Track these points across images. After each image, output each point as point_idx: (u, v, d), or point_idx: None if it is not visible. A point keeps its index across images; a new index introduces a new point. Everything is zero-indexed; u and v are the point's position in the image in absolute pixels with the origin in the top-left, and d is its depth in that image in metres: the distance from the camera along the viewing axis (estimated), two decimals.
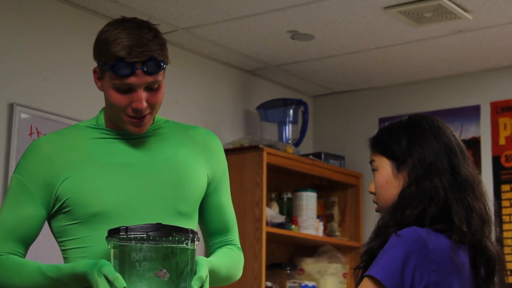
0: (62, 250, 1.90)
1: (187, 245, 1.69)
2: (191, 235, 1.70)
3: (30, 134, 3.33)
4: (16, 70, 3.35)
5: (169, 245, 1.67)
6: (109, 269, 1.68)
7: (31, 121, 3.34)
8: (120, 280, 1.65)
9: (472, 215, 1.75)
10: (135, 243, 1.66)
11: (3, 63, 3.31)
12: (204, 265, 1.75)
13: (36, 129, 3.35)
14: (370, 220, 4.46)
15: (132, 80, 1.81)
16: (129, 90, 1.83)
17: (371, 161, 1.87)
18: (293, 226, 4.23)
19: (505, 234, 4.16)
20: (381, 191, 1.84)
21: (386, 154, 1.84)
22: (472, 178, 1.80)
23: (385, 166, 1.83)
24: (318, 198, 4.45)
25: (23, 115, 3.32)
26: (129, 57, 1.80)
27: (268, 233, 3.98)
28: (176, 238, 1.67)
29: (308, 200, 4.34)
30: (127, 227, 1.67)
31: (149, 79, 1.82)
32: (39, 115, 3.37)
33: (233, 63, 4.35)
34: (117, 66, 1.80)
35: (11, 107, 3.29)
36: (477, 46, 4.04)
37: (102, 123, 1.93)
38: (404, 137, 1.82)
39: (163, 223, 1.71)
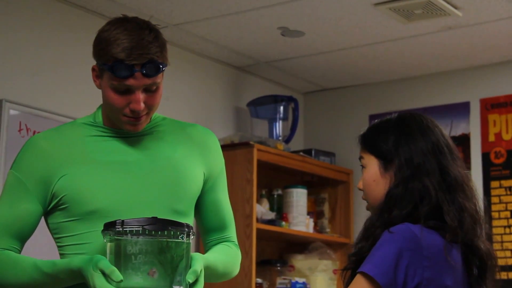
0: (58, 247, 1.90)
1: (182, 239, 1.69)
2: (186, 229, 1.70)
3: (19, 131, 3.32)
4: (6, 67, 3.33)
5: (164, 239, 1.67)
6: (105, 263, 1.68)
7: (20, 117, 3.33)
8: (116, 273, 1.66)
9: (464, 215, 1.74)
10: (131, 236, 1.67)
11: None
12: (199, 259, 1.76)
13: (26, 125, 3.33)
14: (361, 217, 4.48)
15: (130, 82, 1.81)
16: (127, 91, 1.83)
17: (360, 158, 1.87)
18: (284, 223, 4.23)
19: (494, 231, 4.18)
20: (368, 189, 1.83)
21: (373, 152, 1.83)
22: (462, 178, 1.78)
23: (372, 164, 1.82)
24: (309, 194, 4.45)
25: (12, 112, 3.30)
26: (128, 59, 1.79)
27: (258, 230, 3.98)
28: (172, 232, 1.68)
29: (299, 197, 4.34)
30: (123, 221, 1.68)
31: (147, 81, 1.82)
32: (29, 112, 3.36)
33: (223, 59, 4.35)
34: (116, 67, 1.80)
35: (0, 103, 3.28)
36: (467, 43, 4.04)
37: (99, 121, 1.94)
38: (391, 136, 1.81)
39: None
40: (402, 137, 1.80)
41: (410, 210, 1.74)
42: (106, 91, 1.85)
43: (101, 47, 1.83)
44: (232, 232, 2.04)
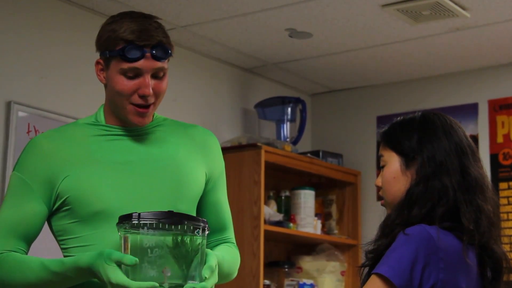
0: (62, 249, 1.89)
1: (198, 234, 1.69)
2: (202, 224, 1.70)
3: (28, 133, 3.33)
4: (14, 68, 3.34)
5: (180, 233, 1.67)
6: (117, 253, 1.68)
7: (29, 119, 3.33)
8: (128, 256, 1.65)
9: (481, 216, 1.73)
10: (147, 230, 1.66)
11: (0, 61, 3.30)
12: (213, 255, 1.76)
13: (34, 127, 3.34)
14: (368, 218, 4.48)
15: (140, 64, 1.83)
16: (136, 76, 1.84)
17: (380, 156, 1.86)
18: (291, 224, 4.23)
19: (502, 232, 4.16)
20: (388, 187, 1.82)
21: (395, 149, 1.82)
22: (482, 180, 1.78)
23: (393, 161, 1.81)
24: (316, 196, 4.45)
25: (20, 114, 3.31)
26: (138, 40, 1.82)
27: (266, 231, 3.98)
28: (186, 227, 1.68)
29: (306, 198, 4.34)
30: (139, 214, 1.67)
31: (157, 64, 1.84)
32: (37, 113, 3.37)
33: (231, 61, 4.35)
34: (126, 49, 1.82)
35: (8, 105, 3.29)
36: (475, 44, 4.04)
37: (101, 120, 1.93)
38: (415, 134, 1.80)
39: None
40: (426, 135, 1.80)
41: (429, 209, 1.73)
42: (114, 79, 1.86)
43: (108, 35, 1.85)
44: (231, 233, 2.04)
